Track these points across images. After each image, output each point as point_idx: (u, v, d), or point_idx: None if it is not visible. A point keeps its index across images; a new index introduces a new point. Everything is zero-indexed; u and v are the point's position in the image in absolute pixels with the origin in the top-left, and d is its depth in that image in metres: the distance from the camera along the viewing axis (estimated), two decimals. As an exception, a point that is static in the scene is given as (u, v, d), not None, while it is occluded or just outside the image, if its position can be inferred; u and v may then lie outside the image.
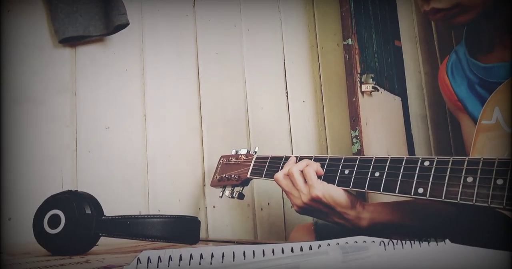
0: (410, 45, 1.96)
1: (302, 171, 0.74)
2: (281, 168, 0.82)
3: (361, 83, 1.44)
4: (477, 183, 0.53)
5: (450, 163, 0.57)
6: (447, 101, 0.82)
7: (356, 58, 1.44)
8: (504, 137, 0.58)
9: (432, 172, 0.59)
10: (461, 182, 0.55)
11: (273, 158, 0.86)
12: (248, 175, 0.90)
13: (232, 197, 0.96)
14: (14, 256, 0.60)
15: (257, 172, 0.89)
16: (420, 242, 0.41)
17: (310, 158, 0.78)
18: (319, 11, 1.68)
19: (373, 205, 0.74)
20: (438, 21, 0.68)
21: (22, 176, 0.94)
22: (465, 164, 0.55)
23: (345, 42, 1.45)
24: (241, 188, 0.96)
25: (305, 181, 0.73)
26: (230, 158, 1.00)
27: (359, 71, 1.44)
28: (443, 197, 0.56)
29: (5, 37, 0.96)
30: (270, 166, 0.86)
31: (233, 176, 0.95)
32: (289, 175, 0.76)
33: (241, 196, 0.96)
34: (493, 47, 0.72)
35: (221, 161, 1.03)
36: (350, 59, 1.43)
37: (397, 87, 1.73)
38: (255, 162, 0.90)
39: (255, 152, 0.95)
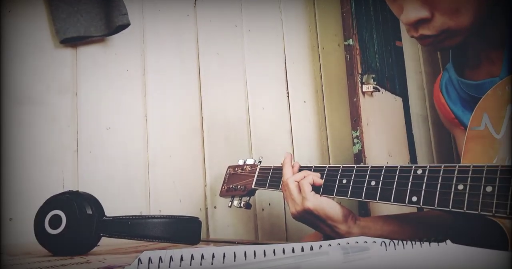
0: (411, 46, 1.96)
1: (298, 182, 0.77)
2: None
3: (362, 83, 1.44)
4: (467, 190, 0.54)
5: (441, 171, 0.58)
6: (442, 117, 0.82)
7: (357, 59, 1.44)
8: (493, 143, 0.58)
9: (425, 180, 0.59)
10: (452, 189, 0.55)
11: (275, 168, 0.89)
12: (253, 186, 0.94)
13: (240, 207, 1.01)
14: (15, 256, 0.60)
15: (261, 183, 0.92)
16: (421, 242, 0.41)
17: (309, 168, 0.80)
18: (320, 12, 1.68)
19: (364, 221, 0.75)
20: (426, 46, 0.68)
21: (23, 176, 0.94)
22: (456, 172, 0.56)
23: (346, 43, 1.45)
24: (248, 198, 1.00)
25: (300, 191, 0.76)
26: (236, 169, 1.04)
27: (360, 72, 1.44)
28: (435, 205, 0.57)
29: (6, 37, 0.96)
30: (273, 176, 0.89)
31: (239, 186, 0.99)
32: (284, 186, 0.79)
33: (248, 206, 1.00)
34: (480, 62, 0.72)
35: (228, 171, 1.07)
36: (351, 59, 1.43)
37: (398, 88, 1.73)
38: (259, 173, 0.94)
39: (260, 162, 0.98)
